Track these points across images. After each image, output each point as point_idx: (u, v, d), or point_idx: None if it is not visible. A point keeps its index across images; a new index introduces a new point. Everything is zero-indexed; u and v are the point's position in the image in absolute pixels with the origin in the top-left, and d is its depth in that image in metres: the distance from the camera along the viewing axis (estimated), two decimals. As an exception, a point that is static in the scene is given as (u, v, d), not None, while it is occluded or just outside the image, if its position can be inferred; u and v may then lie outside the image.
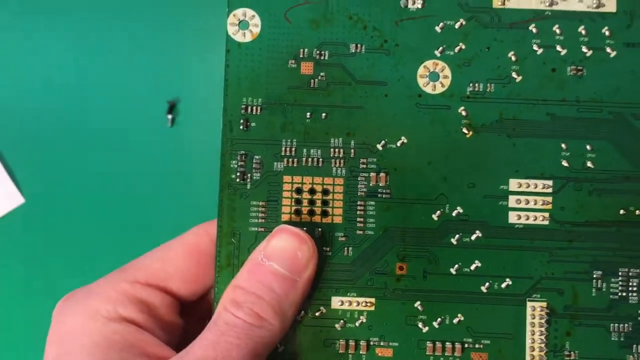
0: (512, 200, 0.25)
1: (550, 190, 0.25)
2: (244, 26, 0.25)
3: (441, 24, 0.25)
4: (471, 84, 0.25)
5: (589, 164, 0.25)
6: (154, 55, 0.39)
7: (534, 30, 0.25)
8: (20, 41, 0.39)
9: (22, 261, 0.40)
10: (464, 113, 0.25)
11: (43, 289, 0.40)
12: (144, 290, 0.24)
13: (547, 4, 0.25)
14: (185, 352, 0.22)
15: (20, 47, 0.39)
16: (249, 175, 0.25)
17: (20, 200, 0.40)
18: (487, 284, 0.25)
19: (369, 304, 0.25)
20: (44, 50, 0.39)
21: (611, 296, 0.24)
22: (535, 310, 0.25)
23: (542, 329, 0.24)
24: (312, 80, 0.25)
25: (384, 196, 0.25)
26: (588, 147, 0.25)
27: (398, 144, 0.25)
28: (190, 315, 0.26)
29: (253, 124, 0.25)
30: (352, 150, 0.25)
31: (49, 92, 0.39)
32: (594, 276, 0.25)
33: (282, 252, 0.23)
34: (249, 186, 0.25)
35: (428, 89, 0.25)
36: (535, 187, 0.25)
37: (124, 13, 0.39)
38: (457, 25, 0.25)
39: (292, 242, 0.24)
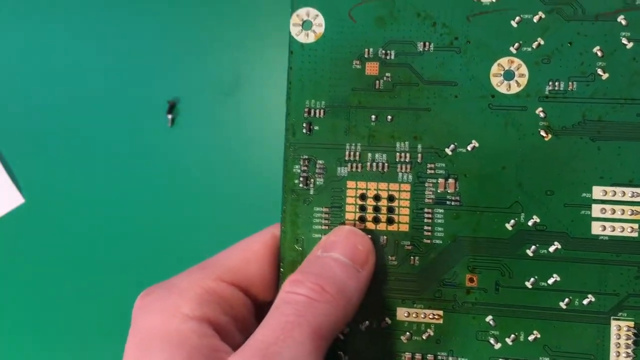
0: (595, 210, 0.23)
1: (639, 199, 0.23)
2: (307, 26, 0.24)
3: (517, 17, 0.23)
4: (550, 83, 0.23)
5: (686, 169, 0.22)
6: (154, 55, 0.38)
7: (623, 22, 0.23)
8: (20, 41, 0.39)
9: (22, 261, 0.39)
10: (542, 114, 0.23)
11: (43, 290, 0.39)
12: (228, 290, 0.23)
13: (639, -8, 0.22)
14: (247, 342, 0.21)
15: (19, 47, 0.39)
16: (312, 180, 0.24)
17: (20, 200, 0.39)
18: (566, 299, 0.23)
19: (436, 317, 0.23)
20: (44, 50, 0.39)
21: None
22: (620, 330, 0.22)
23: (629, 350, 0.22)
24: (377, 82, 0.24)
25: (453, 203, 0.23)
26: (685, 150, 0.22)
27: (469, 148, 0.23)
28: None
29: (316, 128, 0.24)
30: (419, 155, 0.24)
31: (49, 92, 0.39)
32: (691, 294, 0.22)
33: (342, 244, 0.23)
34: (312, 192, 0.24)
35: (502, 89, 0.23)
36: (623, 195, 0.23)
37: (124, 13, 0.38)
38: (535, 19, 0.23)
39: (351, 235, 0.23)
